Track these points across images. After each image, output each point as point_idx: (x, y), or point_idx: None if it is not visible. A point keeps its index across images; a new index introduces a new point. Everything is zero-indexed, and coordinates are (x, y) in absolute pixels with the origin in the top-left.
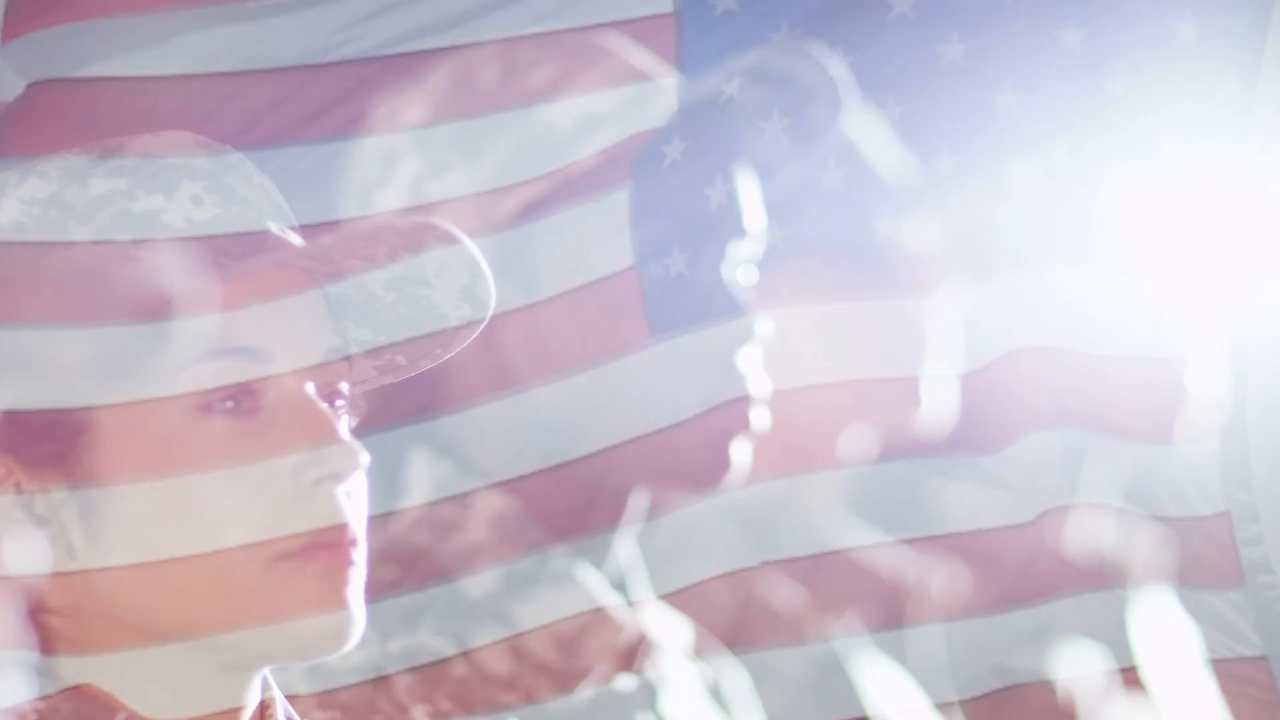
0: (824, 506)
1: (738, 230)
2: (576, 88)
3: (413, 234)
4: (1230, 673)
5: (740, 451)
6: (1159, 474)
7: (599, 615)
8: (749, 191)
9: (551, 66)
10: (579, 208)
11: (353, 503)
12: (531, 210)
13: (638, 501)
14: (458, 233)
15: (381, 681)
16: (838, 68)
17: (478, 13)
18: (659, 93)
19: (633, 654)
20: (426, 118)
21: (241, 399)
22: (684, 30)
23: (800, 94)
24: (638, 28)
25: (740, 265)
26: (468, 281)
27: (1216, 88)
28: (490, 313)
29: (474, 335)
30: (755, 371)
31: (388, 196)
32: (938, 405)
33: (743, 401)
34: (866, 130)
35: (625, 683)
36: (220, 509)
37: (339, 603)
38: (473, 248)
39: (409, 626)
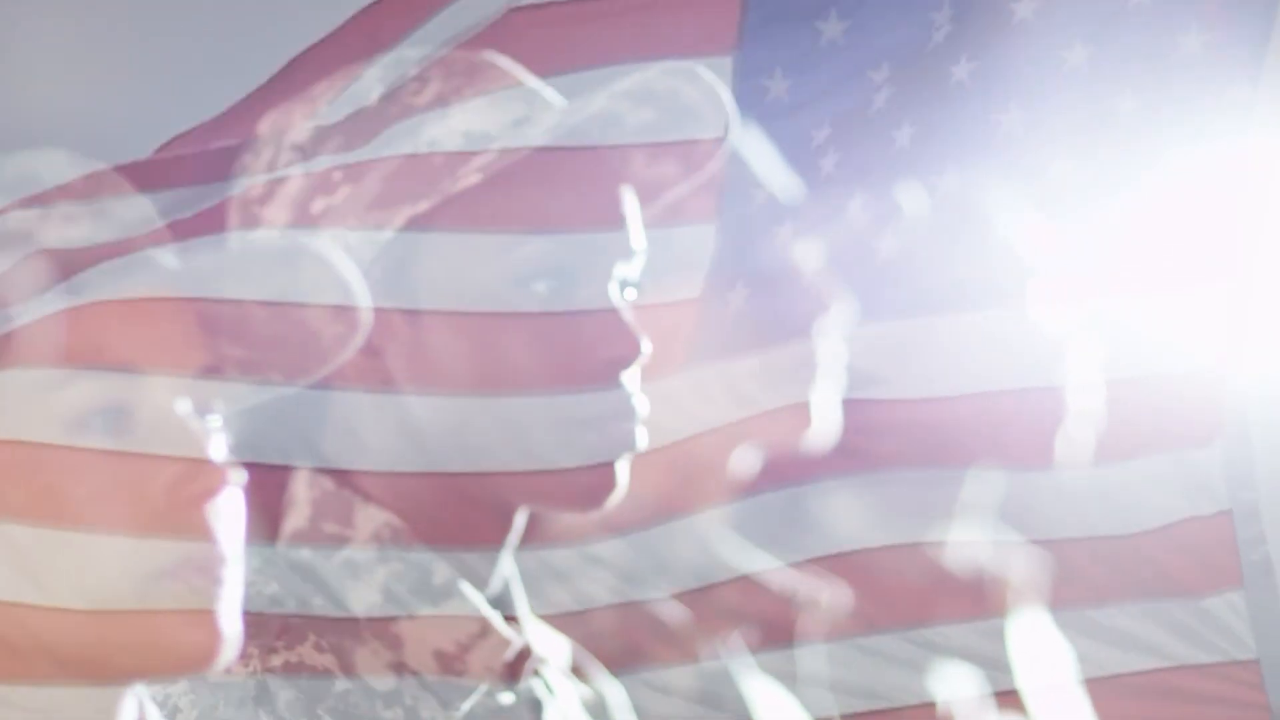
0: (714, 532)
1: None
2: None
3: (287, 252)
4: (1220, 675)
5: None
6: (1167, 482)
7: (482, 629)
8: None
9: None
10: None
11: (226, 520)
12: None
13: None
14: (333, 250)
15: (263, 695)
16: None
17: None
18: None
19: (516, 669)
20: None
21: (115, 417)
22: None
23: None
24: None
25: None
26: (342, 299)
27: (1223, 97)
28: (364, 330)
29: (349, 352)
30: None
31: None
32: (828, 429)
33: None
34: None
35: (506, 698)
36: (94, 527)
37: (210, 620)
38: (349, 264)
39: (289, 640)
